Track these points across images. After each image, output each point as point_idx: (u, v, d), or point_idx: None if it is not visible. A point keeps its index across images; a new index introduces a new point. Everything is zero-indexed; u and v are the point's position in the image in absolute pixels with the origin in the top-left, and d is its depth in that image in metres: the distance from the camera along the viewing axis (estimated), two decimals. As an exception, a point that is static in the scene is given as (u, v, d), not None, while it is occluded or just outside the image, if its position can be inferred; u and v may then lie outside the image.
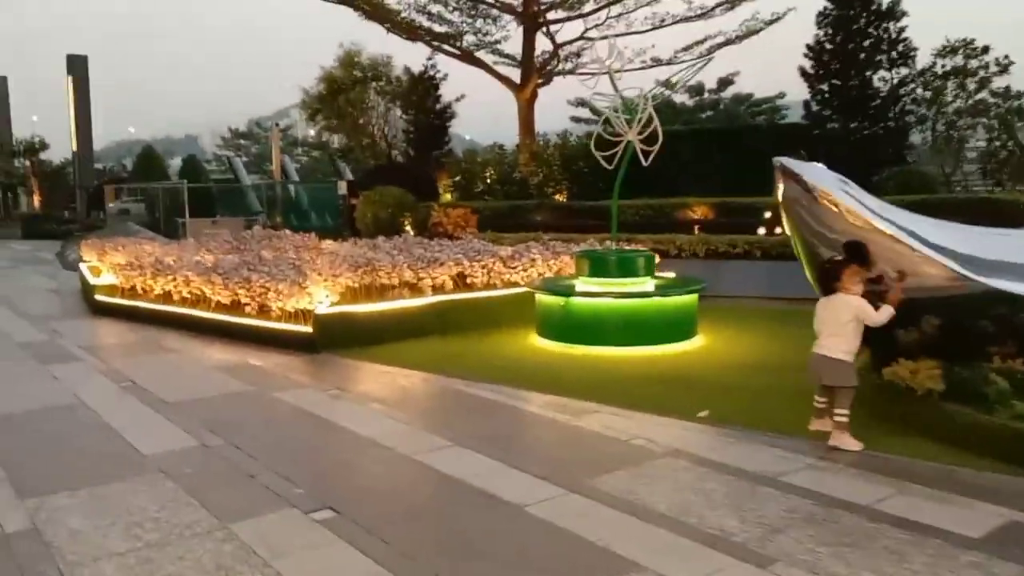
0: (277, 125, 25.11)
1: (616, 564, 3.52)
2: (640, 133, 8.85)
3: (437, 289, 9.63)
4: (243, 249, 12.79)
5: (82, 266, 13.58)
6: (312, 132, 30.29)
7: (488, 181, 19.46)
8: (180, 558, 3.62)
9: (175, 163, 34.21)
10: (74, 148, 30.59)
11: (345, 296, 8.90)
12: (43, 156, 33.67)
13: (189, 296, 10.15)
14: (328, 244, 13.56)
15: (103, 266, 12.32)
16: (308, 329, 8.47)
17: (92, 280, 12.11)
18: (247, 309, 9.34)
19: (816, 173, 5.73)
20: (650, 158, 8.83)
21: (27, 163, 33.37)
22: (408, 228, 17.08)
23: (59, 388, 7.02)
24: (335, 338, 8.52)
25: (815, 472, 4.63)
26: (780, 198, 5.80)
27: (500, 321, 9.57)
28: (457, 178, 20.77)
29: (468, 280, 9.96)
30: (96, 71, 30.92)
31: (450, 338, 9.01)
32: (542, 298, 8.91)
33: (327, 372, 7.68)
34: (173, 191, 24.41)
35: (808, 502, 4.17)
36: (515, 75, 25.19)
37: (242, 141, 70.57)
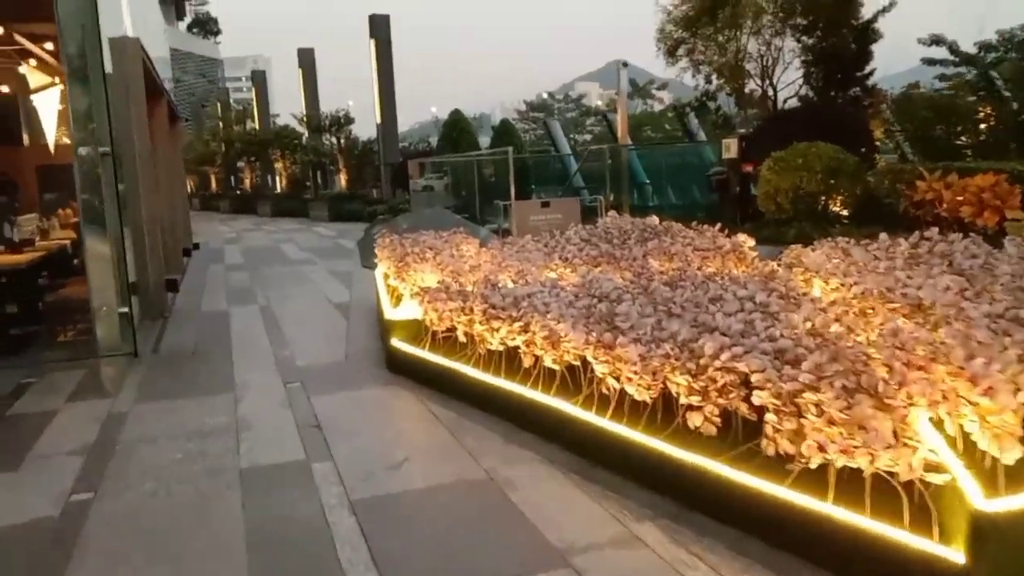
0: (625, 64, 19.23)
1: None
2: None
3: None
4: (619, 257, 7.50)
5: (377, 275, 9.21)
6: (665, 74, 23.33)
7: (981, 127, 12.20)
8: None
9: (482, 140, 30.29)
10: (378, 120, 27.91)
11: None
12: (350, 134, 31.74)
13: (555, 364, 5.03)
14: (744, 239, 7.88)
15: (403, 287, 7.69)
16: (947, 554, 2.81)
17: (388, 311, 7.52)
18: (694, 418, 3.98)
19: None
20: None
21: (334, 139, 31.55)
22: (838, 208, 10.76)
23: None
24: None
25: None
26: None
27: None
28: (898, 125, 13.61)
29: None
30: (397, 56, 27.72)
31: None
32: None
33: None
34: (483, 165, 20.31)
35: None
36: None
37: (534, 114, 67.42)
